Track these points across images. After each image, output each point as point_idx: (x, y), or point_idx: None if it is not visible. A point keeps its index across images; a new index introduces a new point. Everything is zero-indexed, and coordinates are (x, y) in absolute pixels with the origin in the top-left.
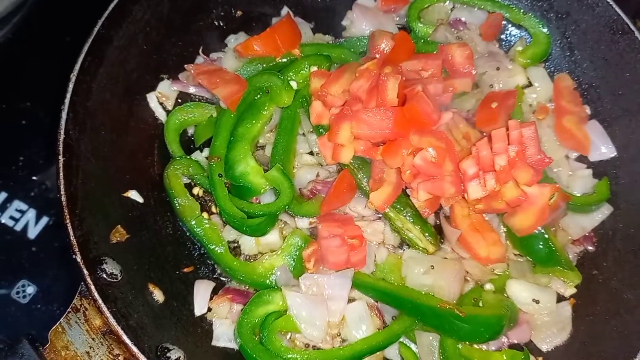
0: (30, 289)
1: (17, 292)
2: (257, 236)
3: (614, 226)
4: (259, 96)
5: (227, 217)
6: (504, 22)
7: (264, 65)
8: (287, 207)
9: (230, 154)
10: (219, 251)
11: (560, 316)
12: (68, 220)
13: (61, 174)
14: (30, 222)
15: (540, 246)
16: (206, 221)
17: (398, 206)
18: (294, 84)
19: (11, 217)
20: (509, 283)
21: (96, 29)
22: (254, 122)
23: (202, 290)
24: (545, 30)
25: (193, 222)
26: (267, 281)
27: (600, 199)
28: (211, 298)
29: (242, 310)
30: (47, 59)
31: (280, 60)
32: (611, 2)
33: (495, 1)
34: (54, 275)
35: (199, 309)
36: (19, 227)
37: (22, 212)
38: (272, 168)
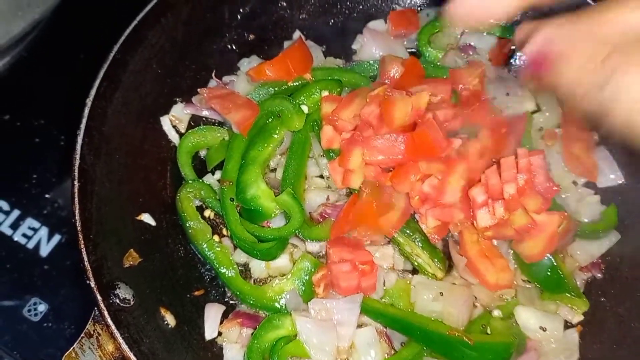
0: (42, 307)
1: (29, 310)
2: (267, 260)
3: (621, 253)
4: (270, 120)
5: (238, 241)
6: (513, 47)
7: (276, 89)
8: (297, 231)
9: (242, 178)
10: (229, 274)
11: (567, 343)
12: (82, 246)
13: (76, 199)
14: (42, 240)
15: (549, 273)
16: (217, 244)
17: (407, 231)
18: (305, 108)
19: (24, 235)
20: (516, 310)
21: (112, 54)
22: (265, 145)
23: (212, 314)
24: None
25: (204, 245)
26: (277, 305)
27: (609, 226)
28: (221, 322)
29: (252, 334)
30: (61, 77)
31: (292, 84)
32: None
33: (504, 26)
34: (66, 293)
35: (210, 332)
36: (31, 245)
37: (35, 230)
38: (282, 192)
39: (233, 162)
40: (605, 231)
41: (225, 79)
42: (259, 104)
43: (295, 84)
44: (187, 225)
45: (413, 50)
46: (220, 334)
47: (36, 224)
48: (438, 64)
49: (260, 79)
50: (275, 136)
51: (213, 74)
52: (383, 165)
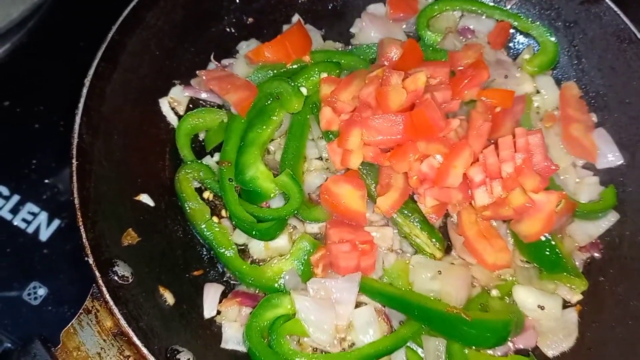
0: (42, 291)
1: (29, 294)
2: (266, 240)
3: (620, 233)
4: (269, 102)
5: (237, 221)
6: (512, 31)
7: (275, 72)
8: (296, 211)
9: (241, 159)
10: (228, 255)
11: (566, 322)
12: (81, 223)
13: (74, 177)
14: (42, 224)
15: (547, 253)
16: (216, 225)
17: (406, 211)
18: (304, 90)
19: (23, 220)
20: (515, 289)
21: (110, 35)
22: (264, 127)
23: (211, 293)
24: (553, 38)
25: (203, 226)
26: (276, 285)
27: (607, 206)
28: (220, 301)
29: (250, 313)
30: (61, 64)
31: (290, 67)
32: (618, 11)
33: (503, 10)
34: (65, 277)
35: (208, 311)
36: (31, 230)
37: (34, 215)
38: (281, 173)
39: (232, 143)
40: (603, 212)
41: (224, 61)
42: (258, 86)
43: (294, 67)
44: (186, 205)
45: (411, 34)
46: (219, 312)
47: (36, 209)
48: (437, 47)
49: (258, 61)
50: (275, 118)
51: (212, 57)
52: (382, 146)
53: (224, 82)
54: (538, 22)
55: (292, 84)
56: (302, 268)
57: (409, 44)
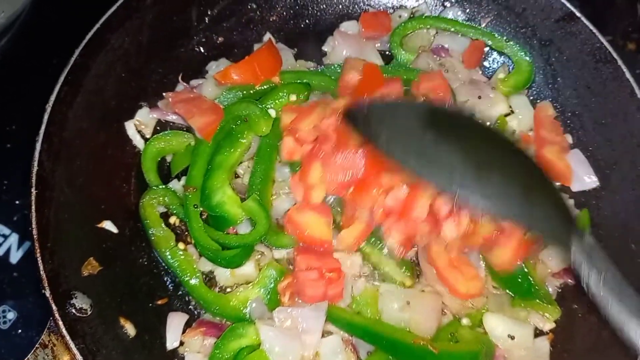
0: (11, 315)
1: None
2: (232, 268)
3: None
4: (237, 124)
5: (201, 249)
6: (486, 49)
7: (244, 93)
8: (262, 238)
9: (207, 183)
10: (193, 282)
11: (537, 351)
12: (39, 254)
13: (33, 207)
14: (12, 246)
15: (519, 280)
16: (181, 252)
17: (372, 239)
18: (272, 112)
19: None
20: (485, 317)
21: (73, 59)
22: (232, 150)
23: (175, 323)
24: (527, 58)
25: (167, 253)
26: (241, 314)
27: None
28: (184, 331)
29: (214, 343)
30: (34, 82)
31: (260, 88)
32: (594, 30)
33: (477, 28)
34: (35, 301)
35: (171, 342)
36: (1, 252)
37: (5, 237)
38: (249, 197)
39: (198, 167)
40: None
41: (193, 82)
42: (226, 108)
43: (263, 88)
44: (150, 232)
45: (386, 52)
46: (182, 343)
47: (6, 231)
48: (410, 66)
49: (226, 82)
50: (243, 140)
51: (180, 77)
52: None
53: (190, 104)
54: (512, 42)
55: (260, 106)
56: (268, 297)
57: (368, 69)
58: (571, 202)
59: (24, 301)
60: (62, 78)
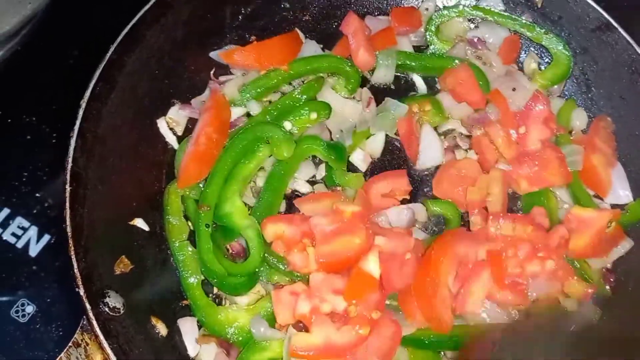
0: (30, 309)
1: (17, 311)
2: (235, 295)
3: (626, 270)
4: (258, 146)
5: (207, 272)
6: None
7: (259, 90)
8: (257, 269)
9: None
10: (191, 281)
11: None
12: (73, 252)
13: (67, 204)
14: (32, 239)
15: None
16: (190, 249)
17: None
18: (288, 125)
19: (13, 234)
20: None
21: (108, 55)
22: (246, 162)
23: (188, 329)
24: (566, 51)
25: (177, 245)
26: (223, 331)
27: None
28: None
29: (239, 355)
30: (54, 74)
31: (273, 82)
32: (631, 41)
33: (516, 19)
34: (54, 295)
35: (192, 349)
36: (20, 245)
37: (24, 230)
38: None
39: (213, 186)
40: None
41: (222, 78)
42: (247, 129)
43: (285, 102)
44: (167, 219)
45: (421, 46)
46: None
47: (26, 224)
48: (446, 54)
49: (228, 62)
50: (259, 154)
51: (212, 73)
52: None
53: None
54: (551, 34)
55: (284, 130)
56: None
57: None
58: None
59: (43, 295)
60: (97, 74)
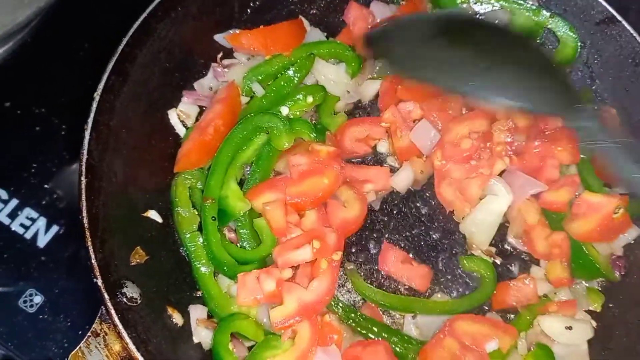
0: (38, 299)
1: (25, 302)
2: None
3: (631, 260)
4: (257, 136)
5: (217, 264)
6: None
7: (263, 77)
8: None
9: (212, 177)
10: (203, 271)
11: (576, 351)
12: (90, 243)
13: (83, 196)
14: (40, 230)
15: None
16: (201, 240)
17: None
18: (285, 110)
19: (21, 225)
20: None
21: (120, 48)
22: (243, 147)
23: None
24: (572, 34)
25: (187, 236)
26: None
27: None
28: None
29: (249, 352)
30: (64, 66)
31: (275, 68)
32: (635, 34)
33: (520, 3)
34: (62, 285)
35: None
36: (28, 235)
37: (33, 220)
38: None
39: (216, 178)
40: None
41: (225, 61)
42: (247, 119)
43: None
44: (176, 210)
45: None
46: None
47: (34, 214)
48: None
49: (234, 45)
50: (256, 140)
51: (218, 58)
52: None
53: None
54: (557, 17)
55: (283, 119)
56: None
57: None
58: None
59: (51, 285)
60: (109, 67)
